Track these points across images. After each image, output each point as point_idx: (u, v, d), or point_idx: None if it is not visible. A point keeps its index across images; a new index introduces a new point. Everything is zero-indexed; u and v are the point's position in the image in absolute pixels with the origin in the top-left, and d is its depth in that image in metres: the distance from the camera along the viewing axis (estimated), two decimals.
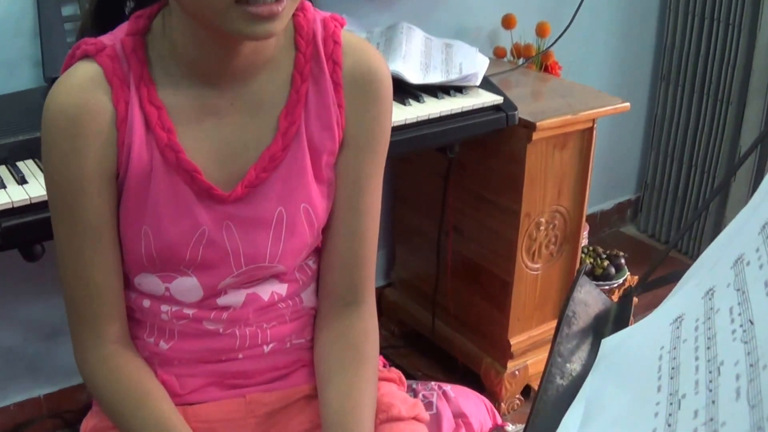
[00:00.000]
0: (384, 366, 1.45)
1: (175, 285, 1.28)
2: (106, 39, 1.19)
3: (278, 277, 1.33)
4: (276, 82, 1.24)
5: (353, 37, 1.29)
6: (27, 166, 1.71)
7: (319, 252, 1.37)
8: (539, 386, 0.85)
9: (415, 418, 1.34)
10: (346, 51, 1.26)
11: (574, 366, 0.87)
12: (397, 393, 1.39)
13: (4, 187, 1.63)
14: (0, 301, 2.32)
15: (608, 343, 0.89)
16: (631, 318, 0.95)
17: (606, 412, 0.79)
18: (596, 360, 0.87)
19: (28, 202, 1.60)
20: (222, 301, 1.30)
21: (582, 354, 0.89)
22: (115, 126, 1.17)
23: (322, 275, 1.37)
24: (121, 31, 1.20)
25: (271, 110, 1.24)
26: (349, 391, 1.27)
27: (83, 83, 1.16)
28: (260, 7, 1.05)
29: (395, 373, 1.44)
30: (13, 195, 1.60)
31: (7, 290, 2.32)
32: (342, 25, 1.28)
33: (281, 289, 1.34)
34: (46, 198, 1.57)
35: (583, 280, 0.93)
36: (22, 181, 1.64)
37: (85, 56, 1.18)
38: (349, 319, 1.35)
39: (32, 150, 1.75)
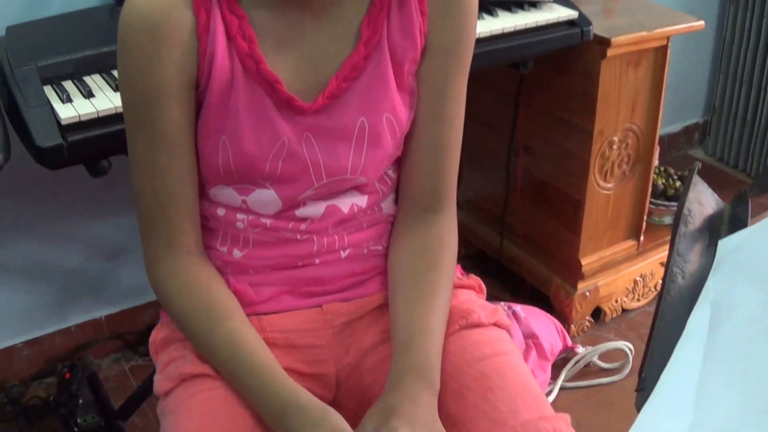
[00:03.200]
0: (462, 274, 1.43)
1: (252, 197, 1.26)
2: None
3: (359, 188, 1.31)
4: None
5: None
6: (94, 81, 1.70)
7: (399, 161, 1.34)
8: (662, 286, 0.83)
9: (495, 324, 1.32)
10: None
11: (693, 266, 0.85)
12: (476, 300, 1.36)
13: (71, 101, 1.62)
14: (61, 221, 2.34)
15: (727, 243, 0.86)
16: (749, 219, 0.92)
17: (738, 313, 0.76)
18: (715, 261, 0.85)
19: (96, 116, 1.60)
20: (301, 212, 1.29)
21: (699, 254, 0.86)
22: (196, 34, 1.15)
23: (403, 184, 1.35)
24: None
25: (353, 19, 1.21)
26: (418, 302, 1.25)
27: None
28: None
29: (474, 279, 1.41)
30: (80, 108, 1.60)
31: (68, 209, 2.33)
32: None
33: (361, 200, 1.32)
34: (113, 111, 1.60)
35: (696, 179, 0.90)
36: (89, 95, 1.63)
37: None
38: (426, 226, 1.33)
39: (98, 65, 1.74)
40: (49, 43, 1.82)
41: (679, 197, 0.86)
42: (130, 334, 2.54)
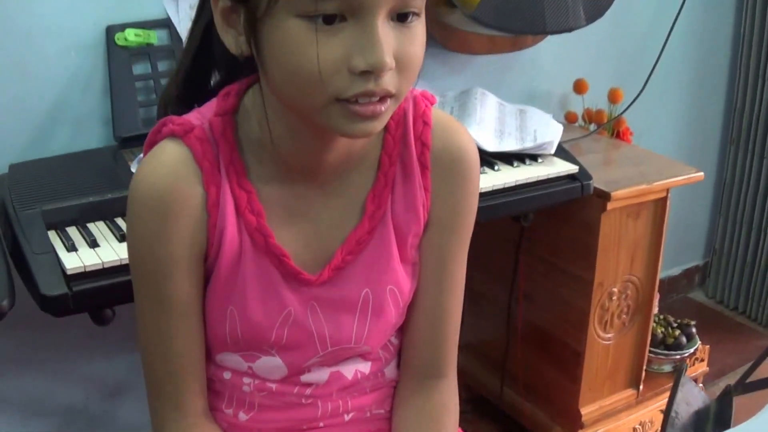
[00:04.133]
0: None
1: (258, 364, 1.27)
2: (193, 119, 1.17)
3: (362, 356, 1.32)
4: (364, 164, 1.23)
5: (443, 116, 1.27)
6: (98, 228, 1.71)
7: (401, 328, 1.35)
8: None
9: None
10: (435, 132, 1.24)
11: None
12: None
13: (75, 249, 1.62)
14: (60, 357, 2.32)
15: None
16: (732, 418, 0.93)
17: None
18: None
19: (101, 267, 1.60)
20: (306, 378, 1.29)
21: None
22: (206, 209, 1.16)
23: (404, 350, 1.35)
24: (209, 110, 1.18)
25: (358, 193, 1.23)
26: None
27: (173, 166, 1.14)
28: (363, 107, 1.02)
29: None
30: (85, 259, 1.60)
31: (68, 346, 2.31)
32: (432, 104, 1.26)
33: (365, 367, 1.32)
34: (118, 263, 1.60)
35: (684, 379, 0.92)
36: (93, 244, 1.64)
37: (172, 135, 1.16)
38: (428, 393, 1.33)
39: (102, 212, 1.75)
40: (53, 185, 1.84)
41: (668, 399, 0.87)
42: None
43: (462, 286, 1.34)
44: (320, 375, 1.30)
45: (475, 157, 1.28)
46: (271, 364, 1.26)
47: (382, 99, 1.03)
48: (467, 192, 1.28)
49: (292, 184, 1.20)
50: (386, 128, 1.22)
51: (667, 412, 0.86)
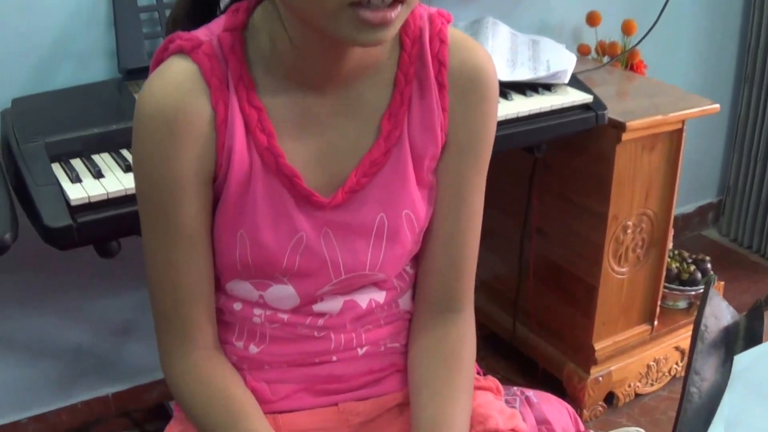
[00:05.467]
0: (479, 374, 1.40)
1: (269, 292, 1.24)
2: (202, 34, 1.13)
3: (377, 284, 1.28)
4: (379, 83, 1.19)
5: (460, 34, 1.22)
6: (103, 160, 1.69)
7: (416, 257, 1.32)
8: (679, 406, 0.80)
9: (513, 430, 1.29)
10: (452, 50, 1.20)
11: (709, 383, 0.82)
12: (494, 403, 1.33)
13: (80, 181, 1.60)
14: (69, 297, 2.32)
15: (742, 360, 0.84)
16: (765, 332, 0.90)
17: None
18: (731, 377, 0.83)
19: (106, 197, 1.58)
20: (318, 307, 1.26)
21: (715, 369, 0.84)
22: (214, 128, 1.12)
23: (420, 280, 1.32)
24: (218, 25, 1.15)
25: (373, 112, 1.19)
26: (441, 401, 1.22)
27: (180, 83, 1.10)
28: (373, 13, 0.99)
29: (492, 381, 1.38)
30: (90, 189, 1.58)
31: (76, 285, 2.31)
32: (449, 21, 1.22)
33: (379, 296, 1.29)
34: (123, 193, 1.58)
35: (712, 293, 0.88)
36: (98, 175, 1.62)
37: (179, 52, 1.12)
38: (444, 326, 1.30)
39: (107, 143, 1.73)
40: (57, 118, 1.82)
41: (697, 313, 0.84)
42: (138, 412, 2.50)
43: (479, 215, 1.30)
44: (333, 304, 1.26)
45: (494, 76, 1.23)
46: (283, 292, 1.23)
47: (393, 4, 1.00)
48: (486, 112, 1.23)
49: (304, 103, 1.16)
50: (402, 46, 1.19)
51: (696, 325, 0.83)
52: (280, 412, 1.29)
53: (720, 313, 0.90)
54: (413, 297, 1.35)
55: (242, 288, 1.24)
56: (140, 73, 2.01)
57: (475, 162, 1.25)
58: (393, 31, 1.03)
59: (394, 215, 1.21)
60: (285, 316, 1.25)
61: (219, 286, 1.26)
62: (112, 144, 1.73)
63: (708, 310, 0.87)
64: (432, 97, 1.19)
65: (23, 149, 1.65)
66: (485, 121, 1.24)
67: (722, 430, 0.79)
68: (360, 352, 1.30)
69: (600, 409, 2.54)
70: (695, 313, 2.58)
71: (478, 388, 1.34)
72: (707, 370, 0.85)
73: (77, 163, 1.67)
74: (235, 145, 1.13)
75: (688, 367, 0.81)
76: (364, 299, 1.28)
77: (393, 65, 1.19)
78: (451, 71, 1.20)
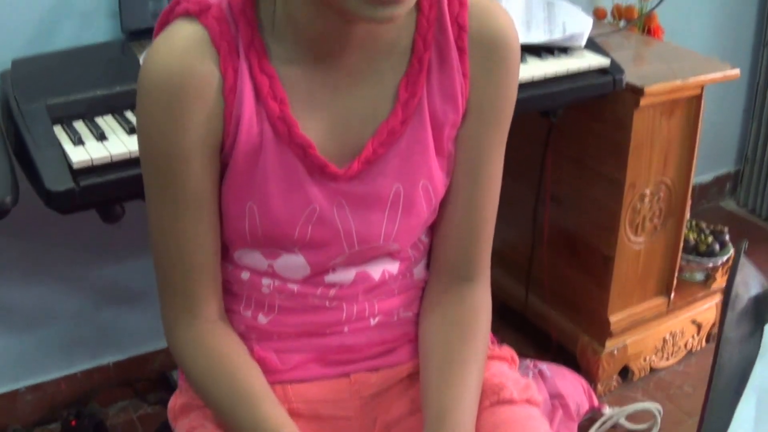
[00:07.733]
0: (494, 343, 1.36)
1: (280, 262, 1.20)
2: None
3: (391, 254, 1.25)
4: (396, 48, 1.14)
5: None
6: (106, 122, 1.66)
7: (432, 226, 1.28)
8: (711, 374, 0.77)
9: (528, 401, 1.26)
10: (472, 13, 1.16)
11: (740, 352, 0.79)
12: (508, 373, 1.30)
13: (83, 143, 1.57)
14: (70, 263, 2.29)
15: None
16: None
17: None
18: (762, 346, 0.80)
19: (109, 160, 1.55)
20: (330, 278, 1.23)
21: (745, 337, 0.81)
22: (222, 95, 1.08)
23: (435, 248, 1.28)
24: None
25: (390, 79, 1.15)
26: (451, 372, 1.19)
27: (187, 47, 1.07)
28: None
29: (507, 351, 1.35)
30: (93, 152, 1.55)
31: (78, 251, 2.28)
32: None
33: (393, 267, 1.26)
34: (127, 156, 1.55)
35: (743, 260, 0.84)
36: (101, 137, 1.58)
37: (186, 14, 1.09)
38: (459, 295, 1.26)
39: (111, 105, 1.70)
40: (59, 79, 1.78)
41: (727, 281, 0.81)
42: (139, 381, 2.48)
43: (498, 185, 1.26)
44: (345, 275, 1.23)
45: (516, 40, 1.19)
46: (294, 262, 1.20)
47: None
48: (508, 77, 1.20)
49: (317, 70, 1.12)
50: (419, 9, 1.15)
51: (726, 293, 0.80)
52: (290, 382, 1.27)
53: (751, 280, 0.86)
54: (427, 265, 1.31)
55: (251, 257, 1.21)
56: (144, 34, 1.97)
57: (497, 130, 1.22)
58: (406, 8, 1.00)
59: (410, 186, 1.18)
60: (295, 287, 1.22)
61: (226, 255, 1.23)
62: (116, 105, 1.70)
63: (739, 277, 0.83)
64: (452, 62, 1.16)
65: (24, 111, 1.62)
66: (507, 87, 1.20)
67: (754, 400, 0.78)
68: (372, 322, 1.28)
69: (615, 383, 2.51)
70: (712, 286, 2.60)
71: (492, 357, 1.31)
72: (738, 337, 0.82)
73: (80, 125, 1.63)
74: (243, 114, 1.09)
75: (720, 336, 0.78)
76: (377, 270, 1.25)
77: (410, 29, 1.15)
78: (471, 35, 1.16)
